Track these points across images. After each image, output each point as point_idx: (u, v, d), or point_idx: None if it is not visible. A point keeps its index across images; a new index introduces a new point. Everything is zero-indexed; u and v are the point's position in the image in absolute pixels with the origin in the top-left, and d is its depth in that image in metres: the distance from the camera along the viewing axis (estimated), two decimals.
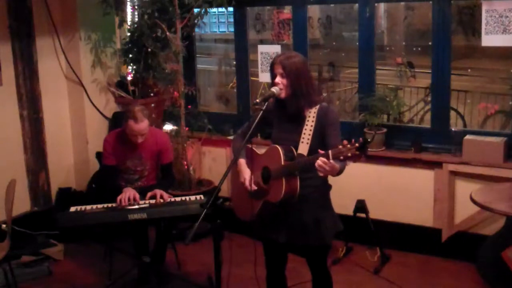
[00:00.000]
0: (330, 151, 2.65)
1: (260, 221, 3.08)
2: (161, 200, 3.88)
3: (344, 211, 4.63)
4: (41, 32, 4.93)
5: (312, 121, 2.93)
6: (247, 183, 3.01)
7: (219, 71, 8.99)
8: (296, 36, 5.04)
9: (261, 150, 3.09)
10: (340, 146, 2.61)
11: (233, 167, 3.12)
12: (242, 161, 3.09)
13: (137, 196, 3.89)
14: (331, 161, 2.64)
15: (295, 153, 2.91)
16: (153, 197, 3.93)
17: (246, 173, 3.04)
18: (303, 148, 2.91)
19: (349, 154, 2.57)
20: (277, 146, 2.94)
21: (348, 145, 2.58)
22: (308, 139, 2.91)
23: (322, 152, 2.71)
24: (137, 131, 3.90)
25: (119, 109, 5.27)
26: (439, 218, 4.43)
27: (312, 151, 2.87)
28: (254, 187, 3.00)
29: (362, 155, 2.56)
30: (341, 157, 2.60)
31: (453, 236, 4.40)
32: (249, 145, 3.05)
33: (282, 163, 2.88)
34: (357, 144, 2.55)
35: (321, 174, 2.74)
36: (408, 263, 4.45)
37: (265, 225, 3.08)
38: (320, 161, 2.66)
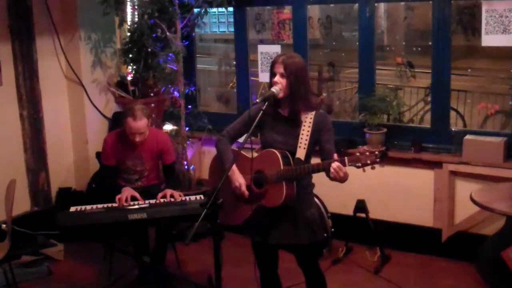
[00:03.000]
0: (346, 158, 2.69)
1: (250, 224, 3.07)
2: (172, 199, 3.88)
3: (344, 211, 4.64)
4: (41, 32, 4.93)
5: (309, 126, 2.93)
6: (243, 188, 2.96)
7: (219, 71, 8.99)
8: (296, 36, 5.04)
9: (248, 153, 3.00)
10: (358, 153, 2.65)
11: (218, 170, 3.10)
12: (234, 167, 3.02)
13: (136, 194, 3.89)
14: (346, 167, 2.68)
15: (290, 158, 2.90)
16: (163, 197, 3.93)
17: (240, 179, 2.98)
18: (301, 153, 2.91)
19: (369, 162, 2.61)
20: (274, 150, 2.93)
21: (367, 153, 2.60)
22: (305, 144, 2.92)
23: (336, 158, 2.73)
24: (135, 129, 3.90)
25: (119, 109, 5.26)
26: (439, 218, 4.43)
27: (308, 156, 2.91)
28: (247, 193, 2.97)
29: (381, 163, 2.59)
30: (359, 164, 2.64)
31: (453, 236, 4.40)
32: (236, 148, 3.02)
33: (281, 167, 2.87)
34: (377, 152, 2.60)
35: (331, 176, 2.75)
36: (408, 263, 4.45)
37: (254, 227, 3.07)
38: (335, 165, 2.69)
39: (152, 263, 4.05)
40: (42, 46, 4.95)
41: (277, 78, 2.91)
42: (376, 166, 2.70)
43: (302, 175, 2.88)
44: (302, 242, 3.00)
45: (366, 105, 4.59)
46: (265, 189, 2.94)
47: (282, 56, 2.94)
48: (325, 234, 4.37)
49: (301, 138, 2.92)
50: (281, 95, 2.92)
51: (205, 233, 4.52)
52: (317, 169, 2.82)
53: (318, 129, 2.94)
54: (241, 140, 3.08)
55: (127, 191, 3.91)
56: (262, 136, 3.08)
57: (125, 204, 3.81)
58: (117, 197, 3.85)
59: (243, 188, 2.97)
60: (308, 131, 2.92)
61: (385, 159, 2.61)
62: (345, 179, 2.77)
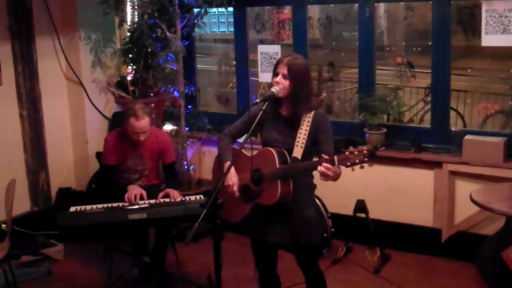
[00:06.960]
0: (335, 157, 2.68)
1: (248, 223, 3.08)
2: (173, 199, 3.89)
3: (344, 211, 4.64)
4: (41, 32, 4.93)
5: (307, 125, 2.94)
6: (235, 188, 2.99)
7: (219, 71, 8.99)
8: (296, 36, 5.04)
9: (248, 152, 3.03)
10: (347, 153, 2.64)
11: (220, 168, 3.11)
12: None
13: (144, 193, 3.90)
14: (335, 166, 2.67)
15: (287, 156, 2.91)
16: (165, 196, 3.93)
17: (233, 178, 3.00)
18: (298, 151, 2.92)
19: (357, 161, 2.60)
20: (271, 149, 2.94)
21: (356, 152, 2.60)
22: (303, 143, 2.92)
23: (326, 157, 2.72)
24: (139, 129, 3.91)
25: (119, 109, 5.26)
26: (439, 218, 4.43)
27: (306, 155, 2.92)
28: (237, 194, 2.99)
29: (371, 162, 2.59)
30: (348, 163, 2.63)
31: (453, 236, 4.40)
32: (239, 147, 3.03)
33: (277, 166, 2.88)
34: (365, 151, 2.59)
35: (323, 179, 2.75)
36: (408, 263, 4.45)
37: (253, 226, 3.07)
38: (323, 168, 2.69)
39: (152, 263, 4.05)
40: (42, 46, 4.95)
41: (278, 79, 2.92)
42: (373, 166, 2.70)
43: (295, 174, 2.87)
44: (300, 241, 3.00)
45: (366, 105, 4.59)
46: (262, 187, 2.96)
47: (287, 58, 2.95)
48: (324, 234, 4.38)
49: (299, 137, 2.93)
50: (280, 94, 2.93)
51: (205, 233, 4.53)
52: (310, 167, 2.82)
53: (316, 129, 2.95)
54: (241, 140, 3.09)
55: (135, 189, 3.91)
56: (262, 135, 3.09)
57: (134, 202, 3.81)
58: (126, 195, 3.85)
59: (235, 188, 2.99)
60: (306, 130, 2.94)
61: (374, 159, 2.60)
62: (336, 178, 2.76)
